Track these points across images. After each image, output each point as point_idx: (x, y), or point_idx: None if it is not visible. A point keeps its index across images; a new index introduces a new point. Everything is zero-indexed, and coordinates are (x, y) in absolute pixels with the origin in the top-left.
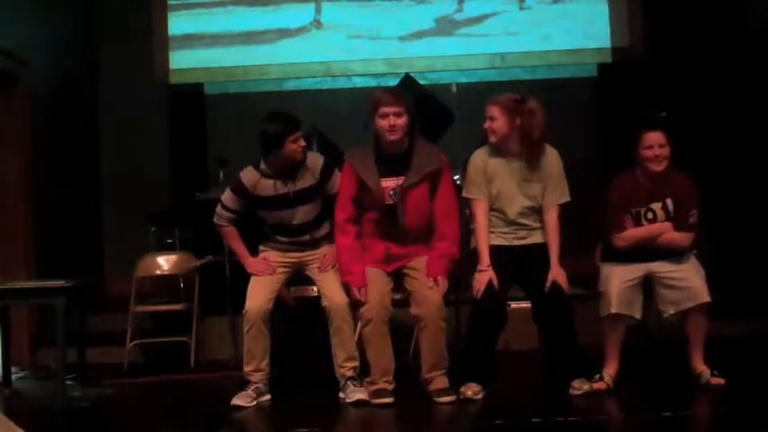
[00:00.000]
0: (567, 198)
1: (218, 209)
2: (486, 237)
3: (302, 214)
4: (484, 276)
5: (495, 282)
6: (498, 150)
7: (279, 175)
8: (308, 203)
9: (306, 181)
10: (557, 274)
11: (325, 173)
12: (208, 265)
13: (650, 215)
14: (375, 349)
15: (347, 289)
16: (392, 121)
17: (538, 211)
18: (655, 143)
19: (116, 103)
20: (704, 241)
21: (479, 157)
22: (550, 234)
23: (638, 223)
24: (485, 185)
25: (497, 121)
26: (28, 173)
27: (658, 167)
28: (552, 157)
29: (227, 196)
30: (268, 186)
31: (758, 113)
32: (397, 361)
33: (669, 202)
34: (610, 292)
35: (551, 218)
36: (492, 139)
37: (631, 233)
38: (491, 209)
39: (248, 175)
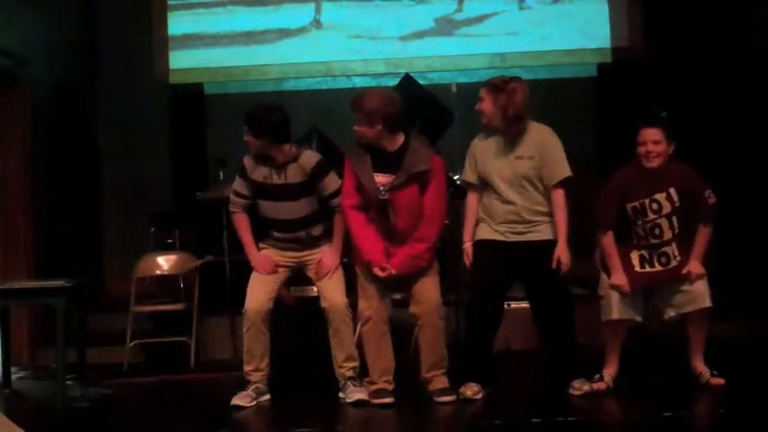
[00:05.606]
0: (567, 173)
1: (231, 196)
2: (473, 218)
3: (288, 210)
4: (466, 250)
5: (470, 252)
6: (491, 131)
7: (265, 163)
8: (296, 200)
9: (295, 177)
10: (562, 252)
11: (317, 171)
12: (208, 265)
13: (655, 206)
14: (374, 348)
15: (369, 266)
16: (355, 127)
17: (536, 200)
18: (648, 140)
19: (116, 103)
20: None
21: (474, 142)
22: (557, 212)
23: (643, 216)
24: (476, 167)
25: (485, 101)
26: (28, 173)
27: (649, 164)
28: (542, 133)
29: (236, 182)
30: (262, 173)
31: (758, 113)
32: (397, 360)
33: (673, 191)
34: (611, 298)
35: (556, 196)
36: (483, 120)
37: (608, 247)
38: (492, 193)
39: (248, 159)
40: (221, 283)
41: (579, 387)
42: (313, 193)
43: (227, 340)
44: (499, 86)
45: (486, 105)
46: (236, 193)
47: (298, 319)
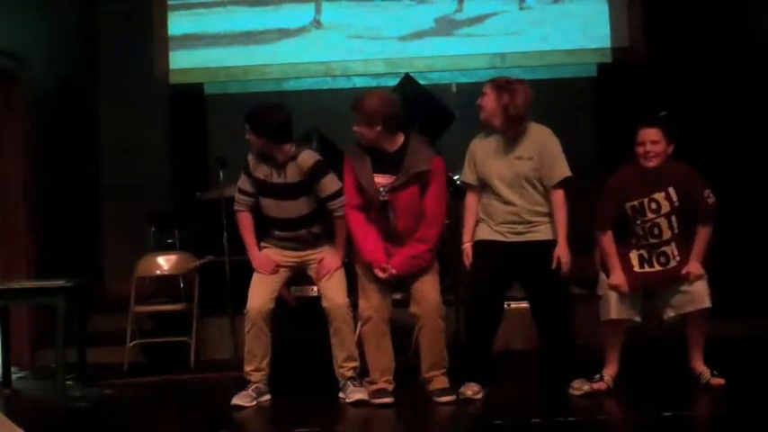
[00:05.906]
0: (567, 173)
1: (236, 194)
2: (472, 218)
3: (289, 208)
4: (465, 250)
5: (469, 253)
6: (491, 131)
7: (266, 161)
8: (295, 199)
9: (294, 176)
10: (562, 252)
11: (314, 172)
12: (208, 265)
13: (654, 205)
14: (374, 348)
15: (371, 267)
16: (354, 128)
17: (535, 201)
18: (647, 140)
19: (116, 103)
20: None
21: (474, 142)
22: (557, 212)
23: (642, 215)
24: (475, 168)
25: (487, 97)
26: (28, 173)
27: (648, 164)
28: (541, 133)
29: (241, 180)
30: (263, 171)
31: (758, 113)
32: (397, 361)
33: (672, 191)
34: (609, 297)
35: (556, 196)
36: (482, 115)
37: (606, 247)
38: (491, 193)
39: (251, 156)
40: (221, 283)
41: (579, 387)
42: (309, 194)
43: (227, 340)
44: (503, 86)
45: (488, 101)
46: (241, 191)
47: (298, 318)
